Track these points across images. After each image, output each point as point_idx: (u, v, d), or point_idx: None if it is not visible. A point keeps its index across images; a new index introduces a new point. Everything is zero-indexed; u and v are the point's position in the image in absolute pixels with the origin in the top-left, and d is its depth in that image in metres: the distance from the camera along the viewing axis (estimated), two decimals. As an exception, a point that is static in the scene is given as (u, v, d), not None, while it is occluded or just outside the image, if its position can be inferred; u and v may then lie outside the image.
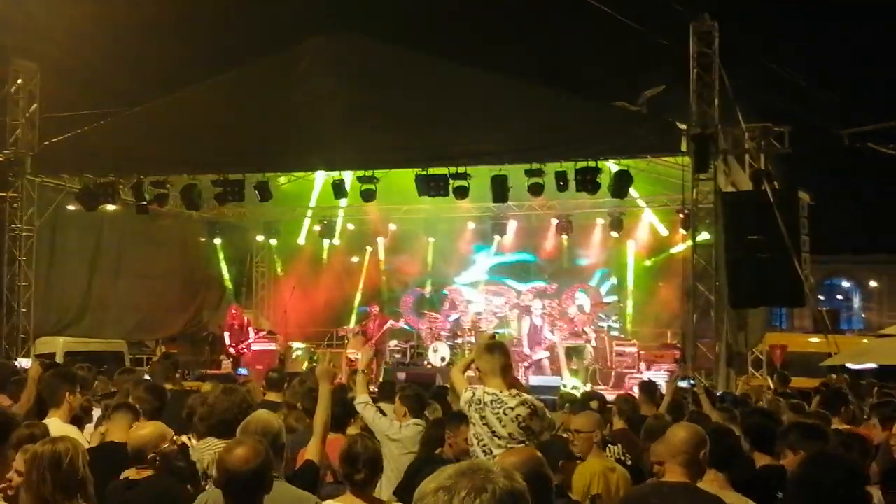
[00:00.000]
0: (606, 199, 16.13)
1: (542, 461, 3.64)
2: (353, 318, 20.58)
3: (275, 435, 4.37)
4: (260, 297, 21.86)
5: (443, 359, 17.16)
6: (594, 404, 7.75)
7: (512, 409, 5.23)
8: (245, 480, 3.77)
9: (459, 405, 5.62)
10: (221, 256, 20.72)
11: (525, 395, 5.34)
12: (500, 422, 5.22)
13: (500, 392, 5.31)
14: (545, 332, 17.70)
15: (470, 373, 6.02)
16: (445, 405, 7.53)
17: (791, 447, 5.00)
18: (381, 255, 21.38)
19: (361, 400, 6.71)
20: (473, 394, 5.39)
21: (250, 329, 18.26)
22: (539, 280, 20.29)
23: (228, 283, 21.19)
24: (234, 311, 18.44)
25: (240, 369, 16.86)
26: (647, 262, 19.41)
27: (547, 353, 17.35)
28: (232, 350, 17.81)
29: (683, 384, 11.55)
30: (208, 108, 15.30)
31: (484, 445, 5.26)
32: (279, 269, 21.68)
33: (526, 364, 17.54)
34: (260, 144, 15.08)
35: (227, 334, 18.12)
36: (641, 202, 18.24)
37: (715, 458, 4.43)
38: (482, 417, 5.28)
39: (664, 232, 18.81)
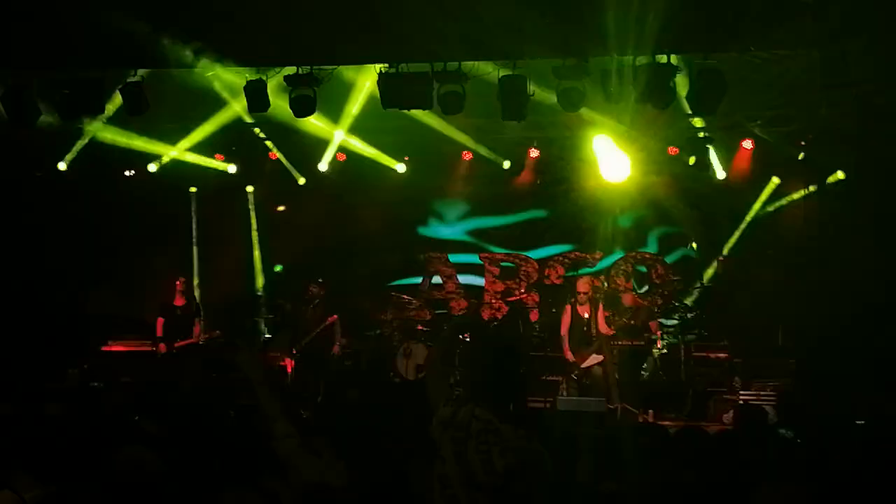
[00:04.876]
0: (682, 116, 16.27)
1: None
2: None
3: None
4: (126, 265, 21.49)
5: (419, 367, 17.09)
6: None
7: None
8: None
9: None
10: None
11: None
12: (485, 465, 5.29)
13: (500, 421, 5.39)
14: (599, 324, 16.88)
15: None
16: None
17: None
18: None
19: None
20: (454, 413, 5.52)
21: (198, 320, 18.09)
22: (563, 243, 20.36)
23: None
24: (179, 286, 18.09)
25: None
26: (748, 217, 19.43)
27: (600, 357, 16.76)
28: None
29: None
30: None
31: (451, 496, 5.35)
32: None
33: (574, 376, 17.15)
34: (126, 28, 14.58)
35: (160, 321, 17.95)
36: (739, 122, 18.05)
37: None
38: (457, 453, 5.37)
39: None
